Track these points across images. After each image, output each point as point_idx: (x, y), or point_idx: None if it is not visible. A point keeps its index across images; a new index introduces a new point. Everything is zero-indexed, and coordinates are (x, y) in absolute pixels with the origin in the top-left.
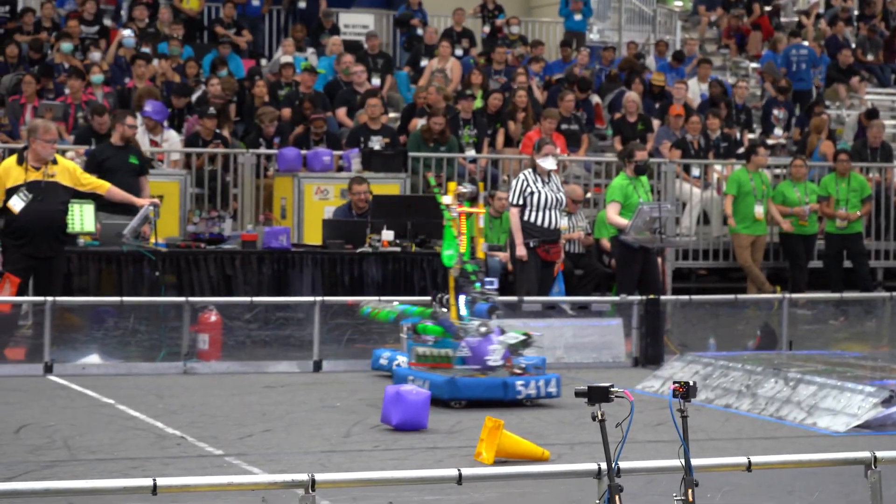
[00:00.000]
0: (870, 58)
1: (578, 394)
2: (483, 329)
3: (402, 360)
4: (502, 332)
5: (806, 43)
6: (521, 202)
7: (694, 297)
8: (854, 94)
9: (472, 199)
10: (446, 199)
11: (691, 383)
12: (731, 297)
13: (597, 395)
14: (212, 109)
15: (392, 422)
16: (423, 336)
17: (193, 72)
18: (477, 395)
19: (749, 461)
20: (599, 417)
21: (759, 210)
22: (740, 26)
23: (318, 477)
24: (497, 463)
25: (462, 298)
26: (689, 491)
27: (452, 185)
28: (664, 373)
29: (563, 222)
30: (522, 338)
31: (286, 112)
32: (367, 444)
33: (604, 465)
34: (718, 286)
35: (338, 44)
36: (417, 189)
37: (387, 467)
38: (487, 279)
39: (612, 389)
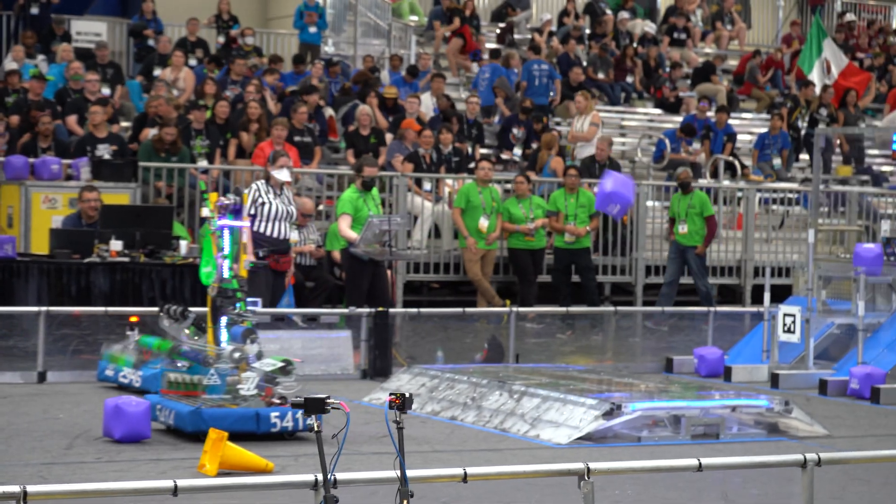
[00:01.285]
0: (601, 76)
1: (295, 405)
2: (237, 355)
3: (127, 371)
4: (259, 358)
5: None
6: (252, 212)
7: (423, 309)
8: None
9: (236, 212)
10: (205, 212)
11: (407, 395)
12: (460, 310)
13: (313, 406)
14: None
15: (114, 435)
16: (177, 361)
17: None
18: (225, 427)
19: (465, 472)
20: (315, 428)
21: (483, 223)
22: (475, 43)
23: (31, 489)
24: (221, 475)
25: (223, 320)
26: (405, 501)
27: (214, 196)
28: (392, 385)
29: (294, 235)
30: (281, 364)
31: (14, 119)
32: (89, 455)
33: (321, 477)
34: (450, 299)
35: (68, 51)
36: (148, 199)
37: (108, 479)
38: (250, 299)
39: (328, 400)
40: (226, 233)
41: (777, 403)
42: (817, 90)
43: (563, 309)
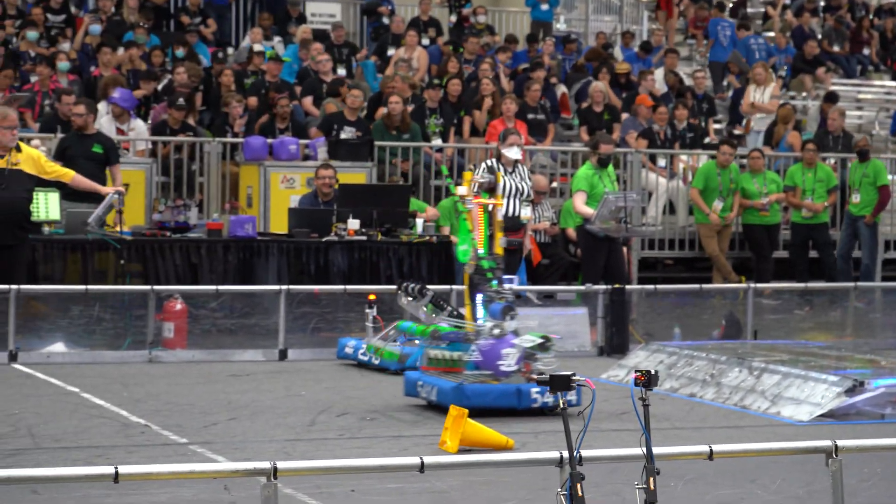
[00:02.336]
0: (836, 49)
1: (540, 382)
2: (497, 331)
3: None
4: (517, 334)
5: (772, 34)
6: None
7: (659, 286)
8: (820, 84)
9: (491, 190)
10: (461, 190)
11: (653, 372)
12: (696, 286)
13: (558, 384)
14: (181, 100)
15: None
16: (438, 338)
17: (159, 60)
18: (487, 403)
19: (711, 450)
20: (561, 406)
21: (717, 205)
22: (707, 17)
23: (281, 465)
24: (461, 451)
25: (479, 297)
26: (651, 479)
27: (468, 175)
28: (629, 362)
29: (527, 212)
30: (540, 340)
31: (252, 101)
32: (331, 432)
33: (566, 454)
34: (685, 276)
35: (307, 32)
36: (384, 178)
37: (351, 456)
38: (506, 276)
39: (573, 378)
40: (481, 211)
41: None
42: None
43: (802, 285)
